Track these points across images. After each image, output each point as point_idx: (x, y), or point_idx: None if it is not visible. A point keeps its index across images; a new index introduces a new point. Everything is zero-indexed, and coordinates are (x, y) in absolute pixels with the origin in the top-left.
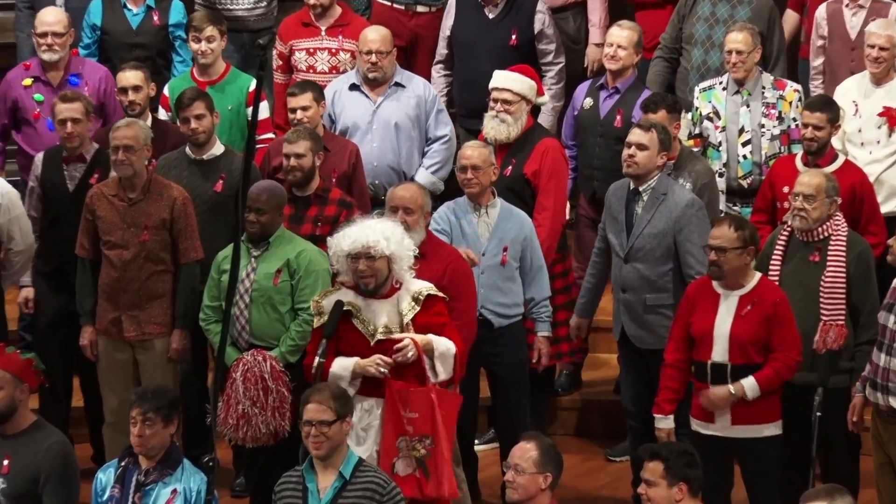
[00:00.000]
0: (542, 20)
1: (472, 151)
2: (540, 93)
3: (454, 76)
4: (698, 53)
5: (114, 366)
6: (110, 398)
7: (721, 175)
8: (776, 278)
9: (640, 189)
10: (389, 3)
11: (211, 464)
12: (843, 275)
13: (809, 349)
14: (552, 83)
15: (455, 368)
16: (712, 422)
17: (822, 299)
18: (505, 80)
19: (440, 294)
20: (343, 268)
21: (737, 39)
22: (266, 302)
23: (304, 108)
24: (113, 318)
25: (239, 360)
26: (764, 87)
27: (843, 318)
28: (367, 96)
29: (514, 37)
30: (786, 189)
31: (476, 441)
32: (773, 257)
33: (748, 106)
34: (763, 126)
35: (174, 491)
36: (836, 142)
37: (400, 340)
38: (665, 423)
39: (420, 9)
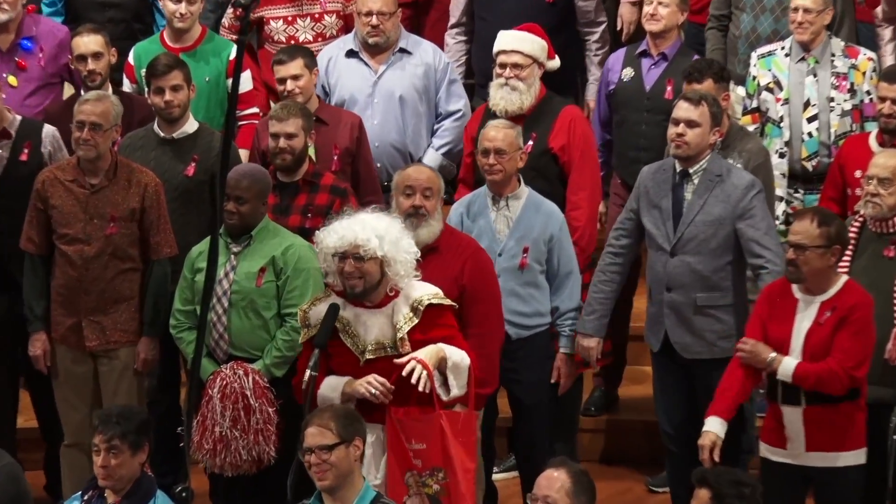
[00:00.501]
0: None
1: (497, 132)
2: (551, 56)
3: (475, 40)
4: (747, 19)
5: (73, 379)
6: (70, 414)
7: (782, 156)
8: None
9: (690, 171)
10: None
11: (184, 494)
12: None
13: (882, 359)
14: (597, 48)
15: (469, 383)
16: (783, 447)
17: None
18: (513, 41)
19: (446, 302)
20: (330, 268)
21: None
22: (247, 306)
23: (295, 77)
24: (72, 324)
25: (216, 374)
26: (833, 55)
27: None
28: (366, 65)
29: None
30: (858, 173)
31: (495, 469)
32: None
33: (815, 76)
34: (832, 100)
35: None
36: None
37: (395, 359)
38: (714, 425)
39: None
